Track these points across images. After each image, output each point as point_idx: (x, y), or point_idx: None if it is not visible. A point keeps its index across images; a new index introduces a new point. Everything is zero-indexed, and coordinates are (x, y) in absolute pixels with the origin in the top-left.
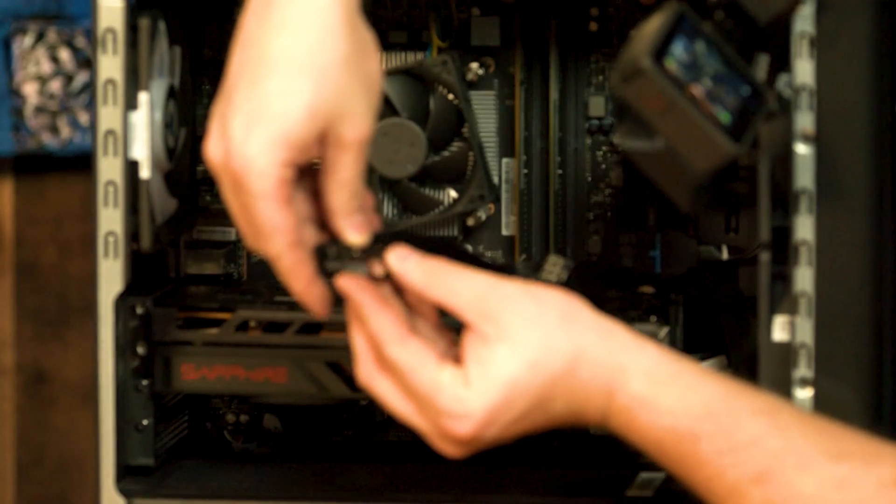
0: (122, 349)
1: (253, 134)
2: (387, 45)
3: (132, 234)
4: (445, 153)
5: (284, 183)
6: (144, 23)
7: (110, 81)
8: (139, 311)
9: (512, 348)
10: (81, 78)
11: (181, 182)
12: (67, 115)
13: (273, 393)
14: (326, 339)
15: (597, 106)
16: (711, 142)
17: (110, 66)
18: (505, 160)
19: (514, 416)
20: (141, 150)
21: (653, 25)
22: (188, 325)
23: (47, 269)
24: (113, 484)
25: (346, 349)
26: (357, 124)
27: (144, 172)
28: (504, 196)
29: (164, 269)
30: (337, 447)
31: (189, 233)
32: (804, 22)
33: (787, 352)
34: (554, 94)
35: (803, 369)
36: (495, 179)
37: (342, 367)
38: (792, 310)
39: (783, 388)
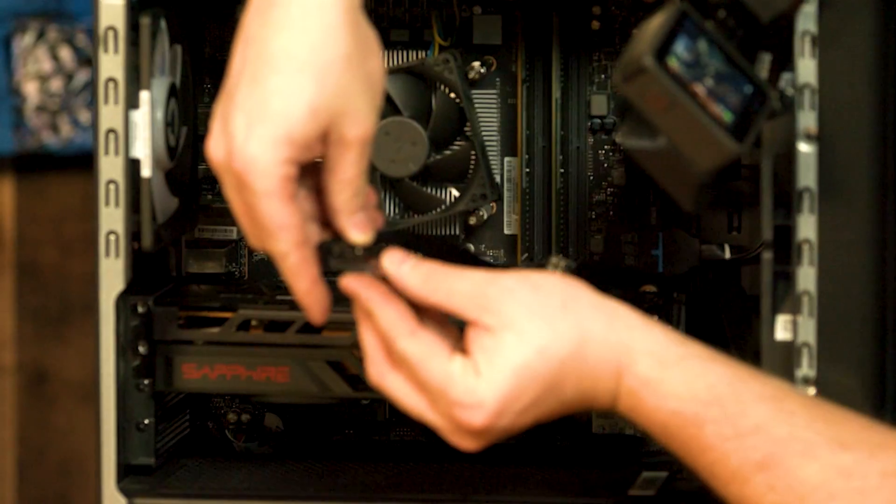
0: (123, 348)
1: (255, 133)
2: (388, 43)
3: (133, 233)
4: (447, 152)
5: (288, 180)
6: (145, 21)
7: (111, 80)
8: (140, 310)
9: (518, 336)
10: (82, 76)
11: (182, 181)
12: (68, 114)
13: (274, 392)
14: (328, 338)
15: (599, 105)
16: (714, 141)
17: (111, 64)
18: (507, 159)
19: (526, 404)
20: (142, 149)
21: (655, 24)
22: (189, 325)
23: (48, 268)
24: (114, 483)
25: (347, 348)
26: (359, 123)
27: (146, 171)
28: (506, 195)
29: (166, 269)
30: (338, 446)
31: (190, 232)
32: (806, 20)
33: (789, 351)
34: (556, 93)
35: (806, 368)
36: (497, 178)
37: (344, 367)
38: (794, 309)
39: None
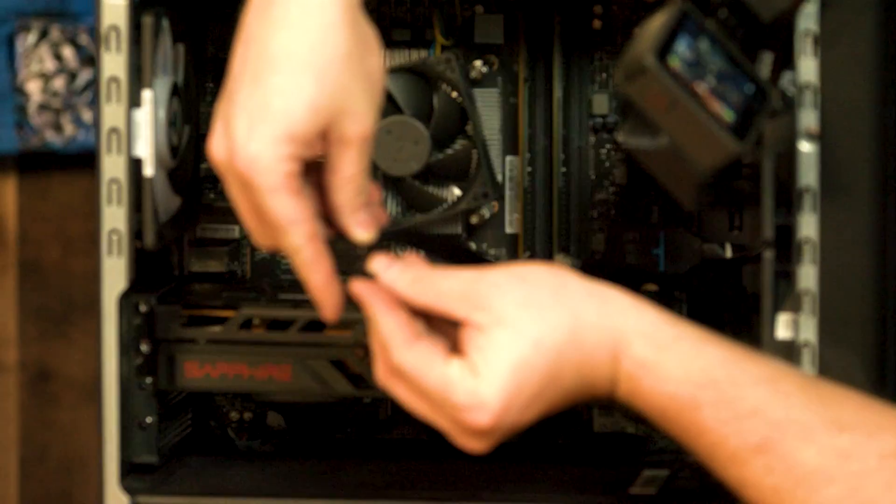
0: (126, 347)
1: (256, 132)
2: (390, 42)
3: (136, 232)
4: (449, 151)
5: (292, 176)
6: (148, 20)
7: (114, 79)
8: (143, 308)
9: (511, 331)
10: (85, 75)
11: (185, 179)
12: (71, 113)
13: (277, 391)
14: (330, 337)
15: (600, 104)
16: (715, 140)
17: (114, 63)
18: (509, 158)
19: (529, 398)
20: (144, 148)
21: (656, 23)
22: (192, 323)
23: (51, 266)
24: (117, 481)
25: (349, 347)
26: (359, 121)
27: (148, 170)
28: (508, 194)
29: (168, 267)
30: (341, 445)
31: (193, 230)
32: (808, 19)
33: (790, 350)
34: (558, 92)
35: (807, 367)
36: (499, 177)
37: (346, 365)
38: (795, 308)
39: None
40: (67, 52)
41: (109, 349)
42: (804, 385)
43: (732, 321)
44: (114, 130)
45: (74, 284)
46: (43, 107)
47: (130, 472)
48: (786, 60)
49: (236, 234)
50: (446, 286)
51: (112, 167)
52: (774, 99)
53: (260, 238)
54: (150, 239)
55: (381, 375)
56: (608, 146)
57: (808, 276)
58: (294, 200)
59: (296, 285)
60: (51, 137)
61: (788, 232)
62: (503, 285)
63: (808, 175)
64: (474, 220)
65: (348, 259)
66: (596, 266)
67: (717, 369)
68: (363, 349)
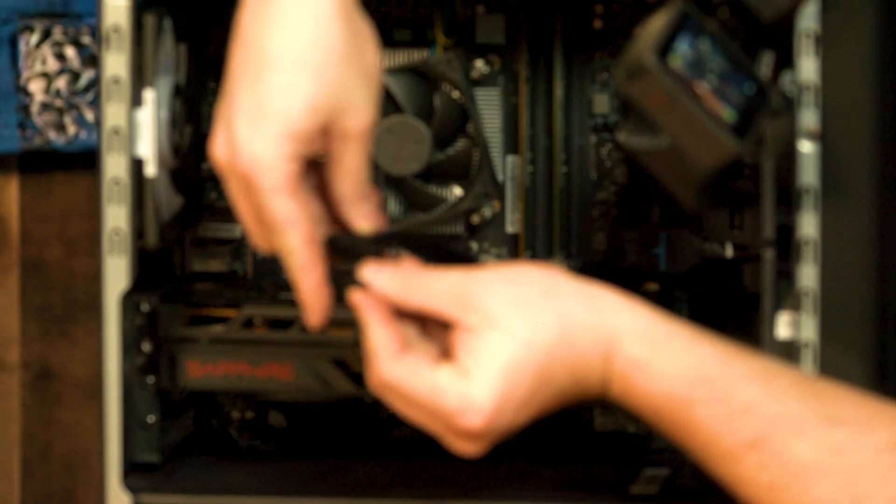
0: (128, 346)
1: (258, 132)
2: (391, 42)
3: (138, 231)
4: (450, 151)
5: (293, 177)
6: (150, 20)
7: (116, 79)
8: (145, 308)
9: (502, 333)
10: (87, 75)
11: (186, 179)
12: (73, 113)
13: (278, 390)
14: (332, 336)
15: (601, 103)
16: (715, 140)
17: (116, 63)
18: (510, 158)
19: (521, 399)
20: (146, 148)
21: (657, 23)
22: (194, 322)
23: (53, 266)
24: (119, 480)
25: (351, 347)
26: (359, 115)
27: (150, 169)
28: (509, 193)
29: (170, 267)
30: (342, 444)
31: (194, 230)
32: (809, 19)
33: (791, 349)
34: (559, 92)
35: (808, 366)
36: (500, 177)
37: (347, 364)
38: (796, 307)
39: None
40: (70, 52)
41: (111, 348)
42: (797, 381)
43: (733, 320)
44: (116, 130)
45: (77, 284)
46: (45, 106)
47: (132, 472)
48: (786, 60)
49: (238, 233)
50: (437, 288)
51: (114, 167)
52: (775, 99)
53: (259, 240)
54: (152, 238)
55: (373, 386)
56: (609, 146)
57: (808, 275)
58: (293, 202)
59: None
60: (53, 137)
61: (789, 231)
62: (494, 286)
63: (809, 174)
64: (475, 219)
65: (351, 256)
66: (597, 266)
67: (710, 367)
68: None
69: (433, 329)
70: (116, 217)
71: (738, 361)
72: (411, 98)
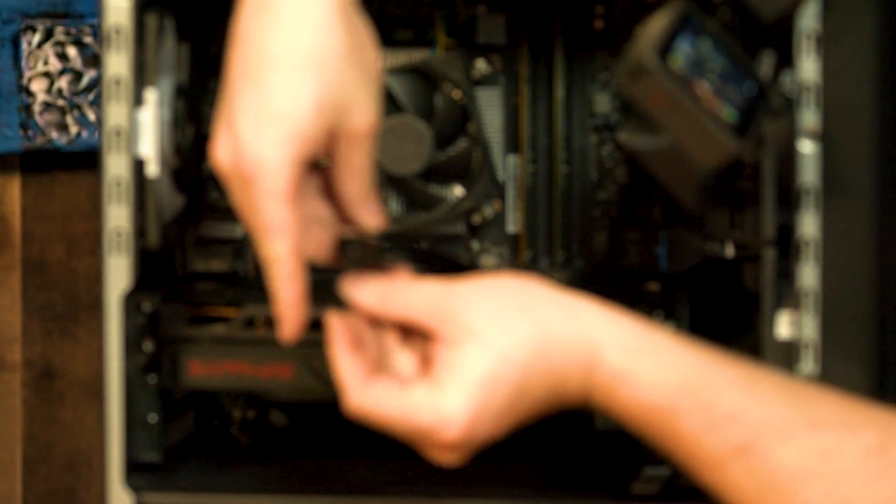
0: (130, 345)
1: (264, 133)
2: (392, 42)
3: (139, 231)
4: (451, 150)
5: (295, 182)
6: (151, 20)
7: (117, 79)
8: (147, 307)
9: (479, 346)
10: (89, 75)
11: (188, 178)
12: (75, 112)
13: (280, 389)
14: None
15: (602, 103)
16: (716, 139)
17: (118, 63)
18: (511, 157)
19: (498, 412)
20: (148, 147)
21: (658, 23)
22: (195, 322)
23: (55, 265)
24: (120, 480)
25: None
26: (364, 114)
27: (152, 169)
28: (510, 193)
29: (172, 266)
30: (343, 443)
31: (196, 229)
32: (809, 19)
33: (791, 349)
34: (559, 92)
35: (808, 365)
36: (501, 177)
37: None
38: (796, 306)
39: None
40: (72, 52)
41: (113, 348)
42: (782, 386)
43: (733, 320)
44: (117, 130)
45: (78, 283)
46: (47, 106)
47: (134, 471)
48: (786, 60)
49: (239, 233)
50: (416, 299)
51: (116, 166)
52: (775, 99)
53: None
54: (153, 238)
55: (348, 413)
56: (610, 145)
57: (808, 274)
58: (289, 209)
59: None
60: (55, 137)
61: (789, 231)
62: (473, 299)
63: (809, 174)
64: (476, 219)
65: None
66: (597, 266)
67: (693, 376)
68: None
69: (415, 336)
70: (118, 217)
71: (721, 368)
72: (412, 98)
